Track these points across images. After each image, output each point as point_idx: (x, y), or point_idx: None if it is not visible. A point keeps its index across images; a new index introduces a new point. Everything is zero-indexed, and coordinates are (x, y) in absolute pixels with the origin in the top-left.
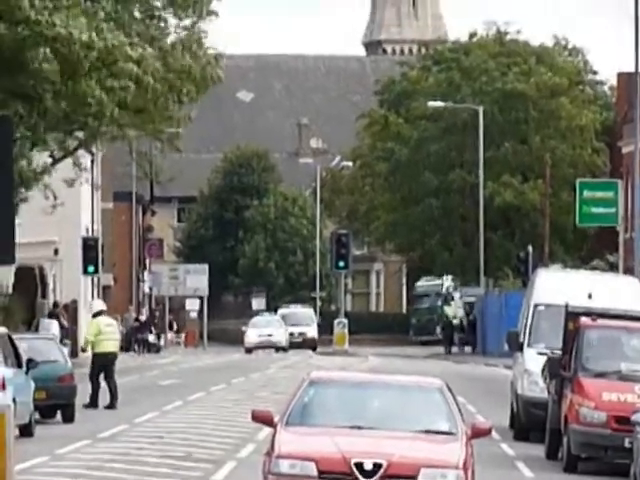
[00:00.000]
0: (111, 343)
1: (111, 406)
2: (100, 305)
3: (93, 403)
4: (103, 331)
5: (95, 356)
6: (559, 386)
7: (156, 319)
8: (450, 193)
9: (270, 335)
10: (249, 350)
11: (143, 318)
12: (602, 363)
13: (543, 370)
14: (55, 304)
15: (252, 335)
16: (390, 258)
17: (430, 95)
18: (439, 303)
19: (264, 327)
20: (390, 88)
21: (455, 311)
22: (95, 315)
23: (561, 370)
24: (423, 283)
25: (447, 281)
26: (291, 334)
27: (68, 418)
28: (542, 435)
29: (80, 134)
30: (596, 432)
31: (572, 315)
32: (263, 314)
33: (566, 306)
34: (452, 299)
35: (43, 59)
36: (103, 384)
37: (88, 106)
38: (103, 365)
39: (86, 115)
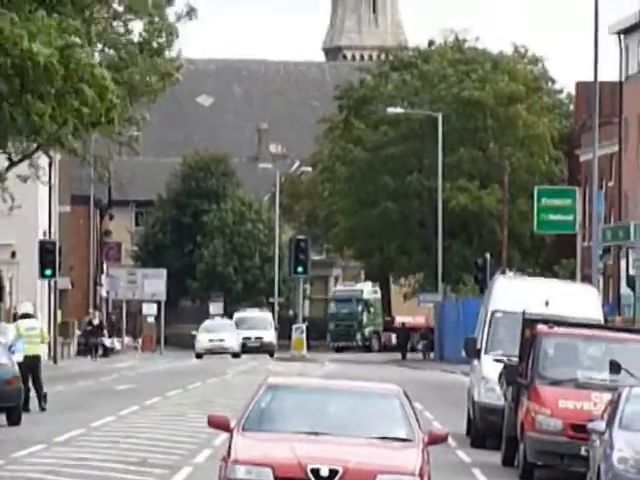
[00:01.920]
0: (33, 346)
1: (41, 409)
2: (25, 308)
3: (24, 408)
4: (24, 334)
5: (19, 361)
6: (516, 393)
7: (112, 323)
8: (408, 197)
9: (222, 340)
10: (199, 355)
11: (96, 322)
12: (559, 371)
13: (500, 377)
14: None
15: (203, 340)
16: (349, 264)
17: (389, 100)
18: (360, 309)
19: (216, 332)
20: (349, 94)
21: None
22: (21, 317)
23: (518, 377)
24: (342, 288)
25: (367, 287)
26: (248, 338)
27: (15, 421)
28: (498, 442)
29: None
30: (552, 440)
31: (529, 322)
32: (214, 318)
33: (523, 313)
34: (372, 306)
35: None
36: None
37: (39, 125)
38: (28, 368)
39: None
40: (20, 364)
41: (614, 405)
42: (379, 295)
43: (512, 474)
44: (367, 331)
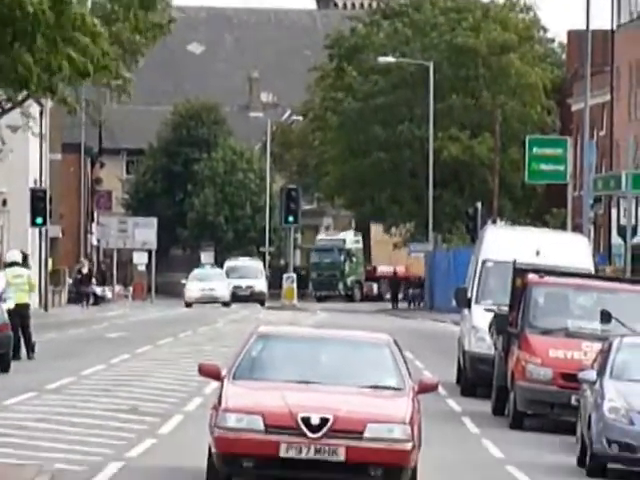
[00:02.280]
0: (21, 294)
1: (28, 357)
2: (13, 256)
3: (14, 355)
4: (11, 283)
5: (9, 308)
6: (506, 343)
7: (102, 272)
8: (399, 147)
9: (212, 289)
10: (189, 304)
11: (85, 271)
12: (549, 320)
13: (490, 326)
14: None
15: (193, 289)
16: (339, 213)
17: (380, 49)
18: (342, 259)
19: (206, 280)
20: (340, 42)
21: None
22: (7, 266)
23: (508, 327)
24: (324, 237)
25: (349, 236)
26: (239, 287)
27: (4, 368)
28: (489, 391)
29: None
30: (542, 389)
31: (520, 272)
32: (204, 266)
33: (514, 263)
34: (354, 255)
35: None
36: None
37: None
38: (16, 317)
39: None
40: (10, 312)
41: (605, 355)
42: (361, 245)
43: (502, 423)
44: (349, 281)
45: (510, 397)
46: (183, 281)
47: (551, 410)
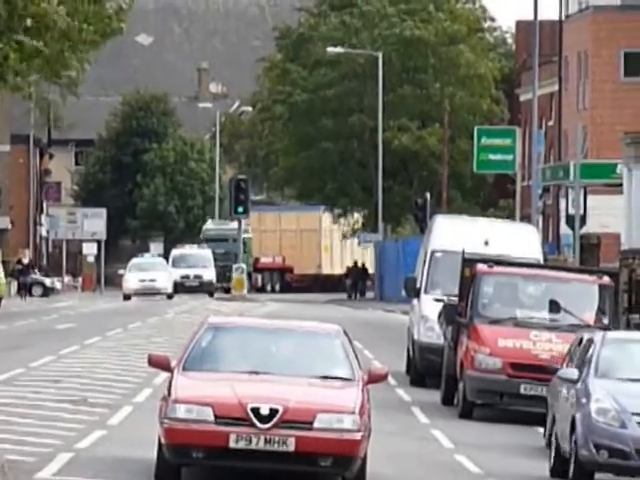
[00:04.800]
0: None
1: None
2: None
3: None
4: None
5: None
6: (455, 332)
7: (48, 262)
8: (348, 138)
9: (153, 280)
10: (127, 297)
11: (26, 261)
12: (498, 310)
13: (439, 316)
14: None
15: (131, 280)
16: (288, 203)
17: (328, 40)
18: (239, 248)
19: (145, 270)
20: (287, 35)
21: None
22: None
23: (457, 317)
24: (213, 226)
25: (243, 224)
26: (186, 277)
27: None
28: (438, 381)
29: None
30: (491, 378)
31: (468, 262)
32: (144, 255)
33: (462, 253)
34: (246, 245)
35: None
36: None
37: None
38: None
39: None
40: None
41: (584, 350)
42: (251, 235)
43: (452, 413)
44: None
45: (459, 387)
46: (121, 271)
47: (500, 399)
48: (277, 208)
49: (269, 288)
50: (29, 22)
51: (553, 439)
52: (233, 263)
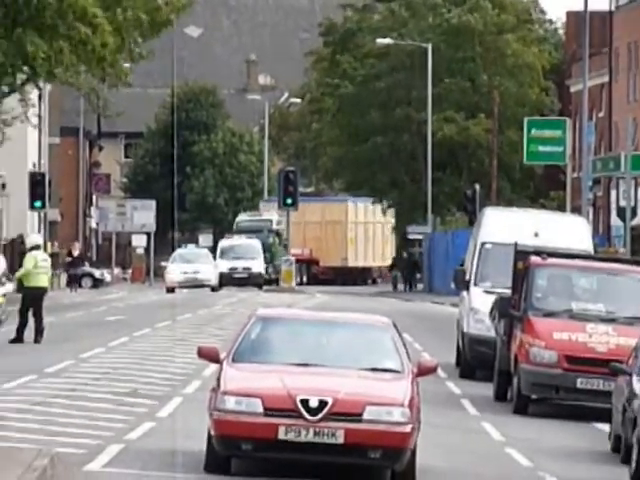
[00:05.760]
0: (45, 277)
1: (36, 341)
2: (36, 239)
3: (19, 338)
4: (39, 265)
5: (27, 290)
6: (508, 326)
7: (94, 254)
8: (397, 130)
9: (196, 272)
10: (171, 290)
11: (76, 253)
12: (552, 302)
13: (492, 310)
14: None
15: (174, 272)
16: (338, 195)
17: (377, 32)
18: (271, 240)
19: (189, 262)
20: (333, 30)
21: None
22: (31, 249)
23: (511, 310)
24: (248, 218)
25: (275, 216)
26: (234, 269)
27: None
28: (488, 373)
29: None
30: (547, 372)
31: (521, 254)
32: (187, 246)
33: (515, 245)
34: (280, 236)
35: None
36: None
37: (26, 56)
38: (34, 299)
39: (32, 61)
40: (24, 294)
41: None
42: (284, 226)
43: (503, 406)
44: (278, 265)
45: (513, 381)
46: (163, 263)
47: (556, 393)
48: (301, 199)
49: (297, 280)
50: (79, 26)
51: (619, 433)
52: (270, 256)
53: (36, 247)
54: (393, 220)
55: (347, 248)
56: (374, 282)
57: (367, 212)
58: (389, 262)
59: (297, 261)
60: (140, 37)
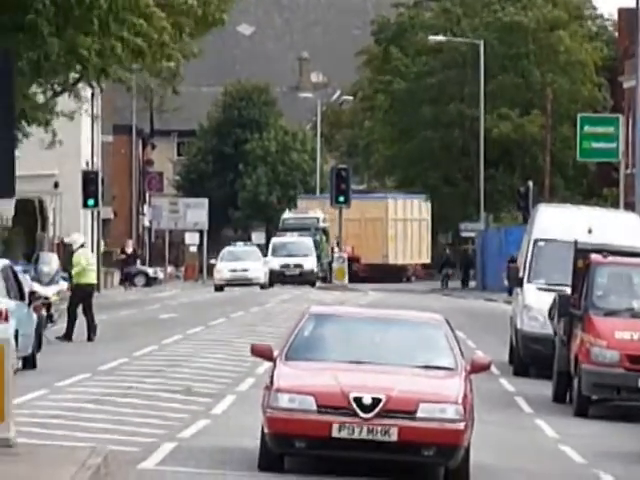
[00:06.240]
0: (94, 274)
1: (89, 339)
2: (81, 237)
3: (69, 336)
4: (90, 262)
5: (78, 287)
6: (568, 325)
7: (142, 252)
8: (449, 127)
9: (245, 270)
10: (219, 288)
11: (129, 251)
12: (614, 301)
13: (551, 309)
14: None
15: (223, 269)
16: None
17: (429, 29)
18: (318, 238)
19: (238, 260)
20: (385, 27)
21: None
22: (78, 247)
23: (571, 309)
24: (294, 215)
25: (320, 214)
26: (286, 266)
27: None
28: (541, 370)
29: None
30: (608, 372)
31: (581, 252)
32: (236, 243)
33: (575, 243)
34: (327, 234)
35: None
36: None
37: (81, 54)
38: (85, 297)
39: (85, 60)
40: (74, 292)
41: None
42: (329, 223)
43: (561, 408)
44: (325, 262)
45: (574, 382)
46: (212, 261)
47: (617, 394)
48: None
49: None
50: (132, 18)
51: None
52: (320, 253)
53: (82, 245)
54: (429, 217)
55: (388, 245)
56: (408, 280)
57: (405, 209)
58: (424, 260)
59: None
60: (192, 35)
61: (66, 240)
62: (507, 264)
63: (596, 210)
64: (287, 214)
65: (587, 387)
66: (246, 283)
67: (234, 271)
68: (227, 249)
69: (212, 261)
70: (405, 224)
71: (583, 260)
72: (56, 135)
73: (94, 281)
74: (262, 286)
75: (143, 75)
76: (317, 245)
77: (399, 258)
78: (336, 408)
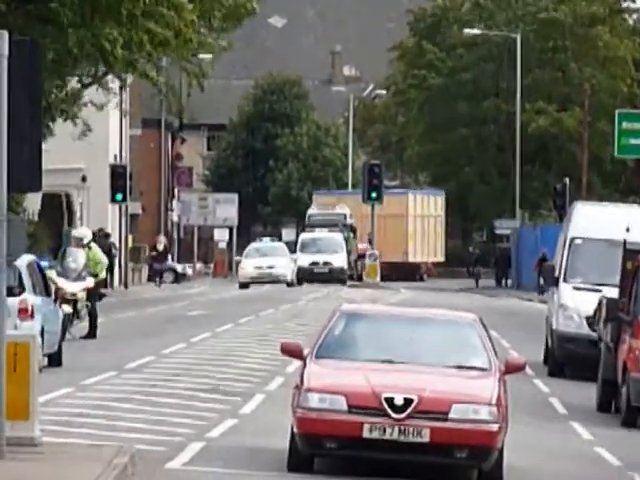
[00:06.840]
0: (103, 271)
1: (92, 336)
2: (89, 232)
3: (93, 333)
4: (102, 258)
5: (99, 283)
6: (616, 331)
7: (173, 248)
8: (485, 122)
9: (271, 267)
10: (244, 285)
11: (161, 248)
12: None
13: (595, 313)
14: (107, 234)
15: (248, 267)
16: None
17: (464, 23)
18: (346, 235)
19: (264, 256)
20: (421, 17)
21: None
22: (88, 242)
23: (619, 313)
24: (320, 212)
25: (347, 210)
26: (315, 264)
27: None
28: (576, 371)
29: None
30: None
31: (631, 253)
32: (262, 239)
33: (624, 243)
34: (354, 231)
35: None
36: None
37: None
38: (98, 293)
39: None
40: (94, 288)
41: None
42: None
43: (607, 420)
44: (352, 260)
45: (622, 391)
46: (237, 258)
47: None
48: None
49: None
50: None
51: None
52: (350, 249)
53: (92, 240)
54: (443, 213)
55: (407, 242)
56: (421, 279)
57: (424, 205)
58: (439, 258)
59: (362, 256)
60: (224, 27)
61: (75, 234)
62: (537, 262)
63: (634, 208)
64: (312, 210)
65: (636, 396)
66: (272, 280)
67: (259, 268)
68: (252, 245)
69: (236, 258)
70: (423, 220)
71: (632, 262)
72: (87, 125)
73: (104, 276)
74: (289, 284)
75: (170, 71)
76: (348, 241)
77: (417, 256)
78: (367, 408)
